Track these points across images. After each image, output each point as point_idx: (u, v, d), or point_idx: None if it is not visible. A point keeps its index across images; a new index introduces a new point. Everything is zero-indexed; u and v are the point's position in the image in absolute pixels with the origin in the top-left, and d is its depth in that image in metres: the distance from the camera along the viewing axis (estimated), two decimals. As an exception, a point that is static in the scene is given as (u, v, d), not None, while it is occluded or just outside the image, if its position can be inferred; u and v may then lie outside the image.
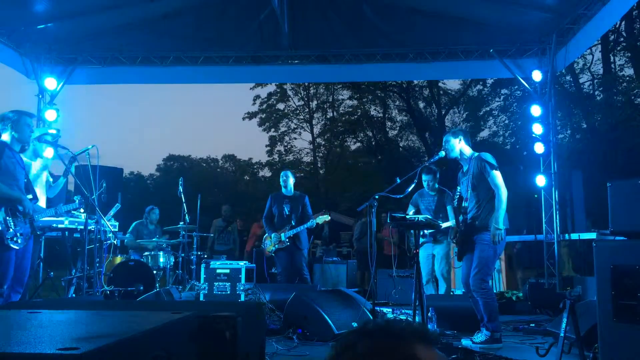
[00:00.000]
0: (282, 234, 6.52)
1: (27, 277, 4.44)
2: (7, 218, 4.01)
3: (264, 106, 28.08)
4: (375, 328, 0.96)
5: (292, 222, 6.57)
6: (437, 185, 6.22)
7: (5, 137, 4.22)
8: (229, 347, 2.04)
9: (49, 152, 6.44)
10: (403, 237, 9.30)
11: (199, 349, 1.91)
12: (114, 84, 10.61)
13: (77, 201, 5.40)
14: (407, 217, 4.71)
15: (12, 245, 4.01)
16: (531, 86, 8.23)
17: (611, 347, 3.07)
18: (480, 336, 4.36)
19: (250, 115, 28.30)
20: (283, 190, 6.77)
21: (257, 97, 27.78)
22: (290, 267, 6.57)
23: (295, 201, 6.70)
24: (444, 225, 5.68)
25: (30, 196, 4.30)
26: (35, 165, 4.96)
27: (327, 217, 6.76)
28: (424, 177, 6.16)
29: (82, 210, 5.59)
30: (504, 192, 4.36)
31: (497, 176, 4.40)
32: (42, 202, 4.91)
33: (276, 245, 6.57)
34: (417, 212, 6.26)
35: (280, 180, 6.78)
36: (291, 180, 6.76)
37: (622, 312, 3.01)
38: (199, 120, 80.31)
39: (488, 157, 4.51)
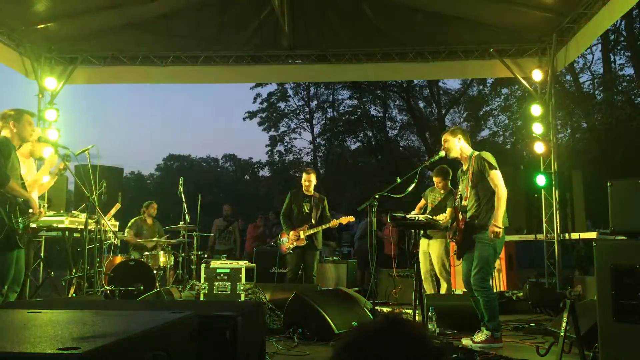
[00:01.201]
0: (301, 232, 6.49)
1: (24, 276, 4.43)
2: (18, 219, 4.00)
3: (265, 105, 28.07)
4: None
5: (312, 220, 6.55)
6: (449, 185, 6.22)
7: (7, 134, 4.20)
8: (229, 347, 2.04)
9: (49, 152, 6.43)
10: (403, 236, 9.28)
11: (199, 349, 1.91)
12: (114, 84, 10.62)
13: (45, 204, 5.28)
14: (408, 216, 4.71)
15: (20, 246, 4.01)
16: (531, 86, 8.24)
17: (611, 346, 3.07)
18: (481, 335, 4.36)
19: (251, 115, 28.28)
20: (304, 189, 6.74)
21: (258, 95, 27.76)
22: (301, 265, 6.53)
23: (316, 201, 6.67)
24: (436, 218, 5.69)
25: None
26: (34, 166, 4.93)
27: (351, 217, 6.82)
28: (434, 179, 6.20)
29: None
30: (503, 192, 4.36)
31: (497, 176, 4.40)
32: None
33: (294, 243, 6.54)
34: (426, 205, 6.28)
35: (304, 180, 6.71)
36: (314, 181, 6.73)
37: (622, 312, 3.01)
38: (199, 120, 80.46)
39: (488, 156, 4.51)
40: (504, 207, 4.36)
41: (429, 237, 6.15)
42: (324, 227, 6.53)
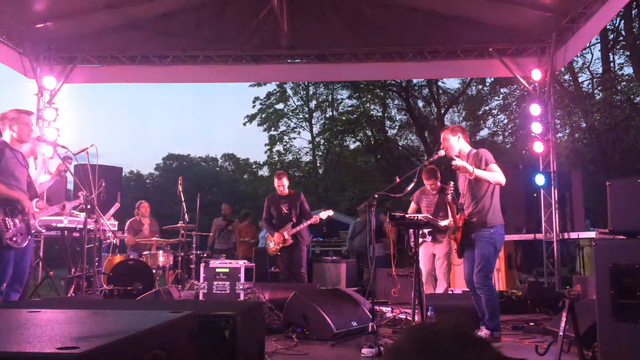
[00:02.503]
0: (285, 233, 6.62)
1: (27, 276, 4.44)
2: (7, 218, 4.01)
3: (264, 105, 28.07)
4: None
5: (293, 219, 6.69)
6: (439, 184, 6.23)
7: (6, 136, 4.24)
8: (228, 346, 2.04)
9: (48, 151, 6.42)
10: (402, 236, 9.28)
11: (199, 348, 1.91)
12: (113, 83, 10.61)
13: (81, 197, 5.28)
14: (407, 216, 4.70)
15: (11, 245, 4.02)
16: (530, 85, 8.23)
17: (610, 345, 3.07)
18: (480, 335, 4.37)
19: (250, 118, 28.27)
20: (278, 192, 6.85)
21: (257, 98, 27.78)
22: (290, 263, 6.67)
23: (292, 200, 6.82)
24: (443, 223, 5.66)
25: (33, 194, 4.32)
26: (37, 164, 4.94)
27: (330, 212, 6.94)
28: (426, 182, 6.17)
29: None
30: (503, 178, 4.34)
31: (495, 167, 4.38)
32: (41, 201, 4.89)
33: (280, 245, 6.66)
34: (418, 209, 6.26)
35: (277, 186, 6.83)
36: (286, 182, 6.85)
37: (621, 311, 3.01)
38: (198, 119, 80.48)
39: (485, 153, 4.50)
40: (488, 177, 4.30)
41: (437, 241, 6.14)
42: (305, 224, 6.67)
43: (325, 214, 6.78)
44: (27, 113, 4.39)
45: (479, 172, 4.28)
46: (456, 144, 4.62)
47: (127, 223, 7.93)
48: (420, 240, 6.08)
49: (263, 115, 28.20)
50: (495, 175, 4.32)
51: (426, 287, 6.24)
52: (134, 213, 8.10)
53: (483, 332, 4.37)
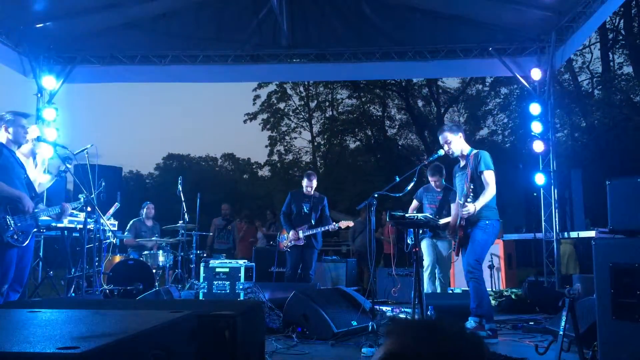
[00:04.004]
0: (301, 232, 6.64)
1: (27, 276, 4.44)
2: (7, 216, 4.02)
3: (265, 105, 28.07)
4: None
5: (312, 221, 6.69)
6: (444, 183, 6.21)
7: (2, 137, 4.27)
8: (228, 346, 2.04)
9: (48, 151, 6.42)
10: (401, 236, 9.26)
11: (199, 348, 1.91)
12: (113, 83, 10.61)
13: (81, 199, 5.27)
14: (407, 215, 4.70)
15: (12, 243, 4.02)
16: (530, 84, 8.23)
17: (610, 344, 3.07)
18: (470, 323, 4.39)
19: (251, 117, 28.25)
20: (305, 191, 6.84)
21: (257, 97, 27.78)
22: (300, 263, 6.69)
23: (315, 201, 6.81)
24: (443, 221, 5.66)
25: (32, 194, 4.33)
26: (32, 165, 4.94)
27: (350, 223, 7.05)
28: (430, 178, 6.16)
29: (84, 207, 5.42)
30: (491, 191, 4.48)
31: (490, 176, 4.49)
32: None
33: (292, 242, 6.68)
34: (420, 206, 6.25)
35: (306, 186, 6.78)
36: (315, 184, 6.83)
37: (621, 310, 3.01)
38: (198, 119, 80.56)
39: (486, 156, 4.55)
40: (487, 201, 4.47)
41: (439, 237, 6.13)
42: (322, 229, 6.69)
43: (345, 224, 6.83)
44: (23, 115, 4.41)
45: (479, 205, 4.43)
46: (459, 144, 4.65)
47: (130, 223, 7.93)
48: (421, 237, 6.08)
49: (264, 117, 28.21)
50: (488, 196, 4.47)
51: (428, 278, 6.13)
52: (138, 213, 8.10)
53: (473, 323, 4.38)
